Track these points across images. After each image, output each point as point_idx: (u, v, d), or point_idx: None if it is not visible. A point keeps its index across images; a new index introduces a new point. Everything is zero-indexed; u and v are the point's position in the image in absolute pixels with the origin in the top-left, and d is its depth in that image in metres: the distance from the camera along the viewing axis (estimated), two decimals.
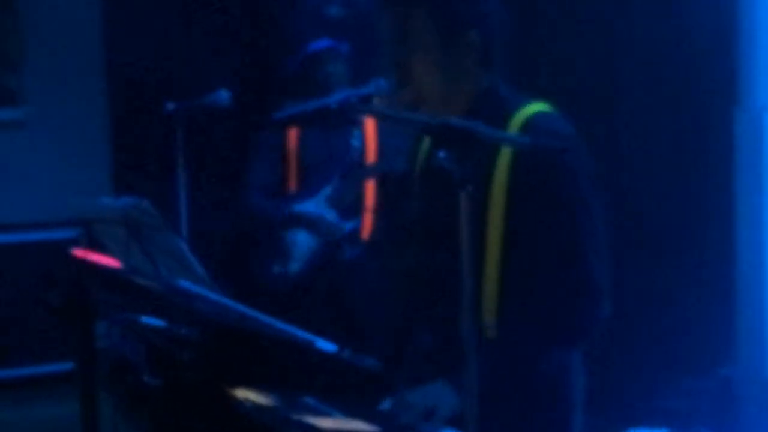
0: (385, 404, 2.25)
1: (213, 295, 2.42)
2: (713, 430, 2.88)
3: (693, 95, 4.14)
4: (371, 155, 4.37)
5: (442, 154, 1.96)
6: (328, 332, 2.49)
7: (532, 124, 2.27)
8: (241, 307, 2.33)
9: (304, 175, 4.41)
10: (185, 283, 2.47)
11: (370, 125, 4.37)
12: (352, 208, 4.35)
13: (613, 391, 4.15)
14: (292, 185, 4.43)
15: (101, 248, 3.19)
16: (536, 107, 2.32)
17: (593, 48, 4.47)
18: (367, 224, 4.38)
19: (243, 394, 2.16)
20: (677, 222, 4.20)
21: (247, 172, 4.48)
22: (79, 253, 2.84)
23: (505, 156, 2.25)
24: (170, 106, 3.94)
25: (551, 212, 2.23)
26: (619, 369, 4.23)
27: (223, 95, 4.01)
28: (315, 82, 4.31)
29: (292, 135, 4.40)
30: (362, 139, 4.36)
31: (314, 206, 4.34)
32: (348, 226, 4.35)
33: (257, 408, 2.13)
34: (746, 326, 4.05)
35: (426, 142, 2.47)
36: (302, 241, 4.32)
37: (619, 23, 4.37)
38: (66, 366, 4.71)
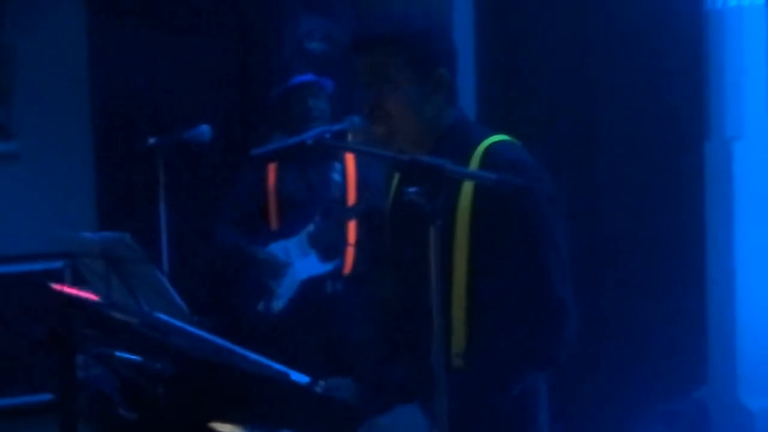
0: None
1: (190, 328, 2.46)
2: None
3: (664, 128, 4.21)
4: (352, 190, 4.35)
5: (411, 189, 2.03)
6: (312, 366, 2.52)
7: (491, 153, 2.33)
8: (218, 340, 2.37)
9: (285, 212, 4.39)
10: (162, 317, 2.51)
11: (350, 159, 4.36)
12: (333, 247, 4.33)
13: (587, 416, 4.18)
14: (274, 222, 4.42)
15: (83, 281, 3.23)
16: (496, 138, 2.38)
17: (568, 83, 4.54)
18: (350, 259, 4.37)
19: (219, 427, 2.19)
20: (650, 249, 4.26)
21: (221, 207, 4.47)
22: (57, 286, 2.87)
23: (468, 186, 2.31)
24: (152, 140, 3.98)
25: (514, 239, 2.28)
26: (593, 394, 4.26)
27: (205, 130, 4.06)
28: (294, 116, 4.29)
29: (271, 171, 4.39)
30: (344, 173, 4.35)
31: (296, 244, 4.33)
32: (329, 266, 4.33)
33: None
34: (718, 350, 4.10)
35: (396, 177, 2.53)
36: (286, 279, 4.31)
37: (591, 59, 4.44)
38: (46, 397, 4.73)
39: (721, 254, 4.08)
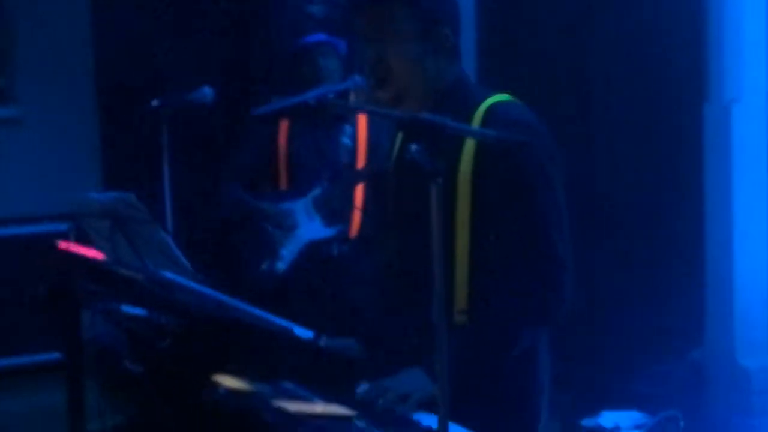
0: (362, 388, 2.32)
1: (194, 285, 2.49)
2: (684, 412, 2.95)
3: (663, 90, 4.23)
4: (362, 154, 4.35)
5: (413, 147, 2.04)
6: (316, 327, 2.55)
7: (492, 113, 2.35)
8: (222, 296, 2.40)
9: (294, 173, 4.40)
10: (167, 274, 2.54)
11: (362, 123, 4.35)
12: (338, 211, 4.34)
13: (586, 375, 4.23)
14: (283, 182, 4.41)
15: (88, 241, 3.26)
16: (498, 98, 2.41)
17: (568, 44, 4.56)
18: (356, 222, 4.38)
19: (222, 379, 2.23)
20: (649, 211, 4.29)
21: (227, 161, 4.49)
22: (63, 245, 2.90)
23: (469, 144, 2.33)
24: (155, 102, 3.99)
25: (515, 196, 2.31)
26: (590, 354, 4.30)
27: (207, 92, 4.07)
28: (303, 76, 4.28)
29: (282, 131, 4.40)
30: (354, 137, 4.34)
31: (302, 206, 4.34)
32: (332, 231, 4.35)
33: (236, 393, 2.20)
34: (715, 311, 4.14)
35: (399, 136, 2.55)
36: (289, 241, 4.33)
37: (590, 21, 4.45)
38: (53, 356, 4.78)
39: (718, 215, 4.11)
